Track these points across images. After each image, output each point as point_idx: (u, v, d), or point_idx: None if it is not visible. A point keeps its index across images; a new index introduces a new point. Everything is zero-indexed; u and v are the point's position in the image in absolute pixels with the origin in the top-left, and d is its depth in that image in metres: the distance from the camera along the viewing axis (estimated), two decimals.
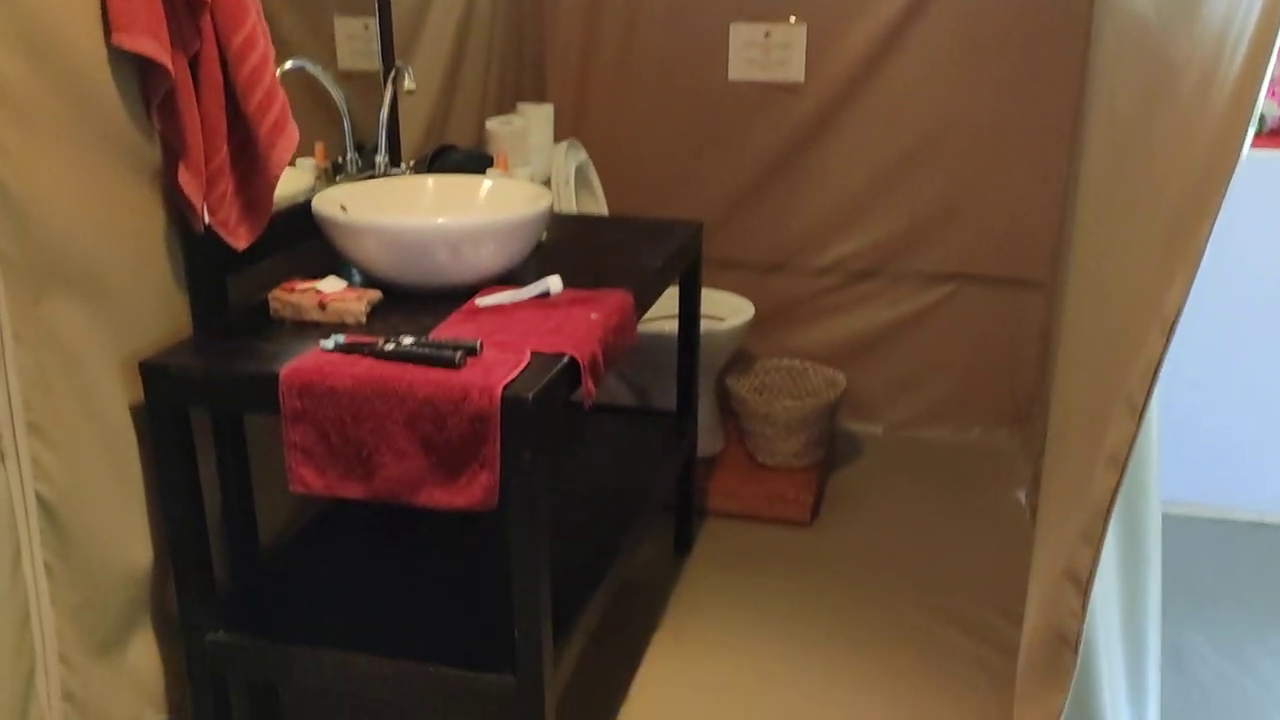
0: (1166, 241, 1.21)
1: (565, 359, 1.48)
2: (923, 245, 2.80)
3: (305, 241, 1.76)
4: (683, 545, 2.37)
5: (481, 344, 1.47)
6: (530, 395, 1.36)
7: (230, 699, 1.63)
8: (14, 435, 1.31)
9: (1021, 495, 2.61)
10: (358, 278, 1.76)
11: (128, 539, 1.51)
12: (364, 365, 1.42)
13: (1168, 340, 1.14)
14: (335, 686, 1.57)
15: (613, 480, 2.06)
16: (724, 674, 1.98)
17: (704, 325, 2.45)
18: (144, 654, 1.57)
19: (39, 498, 1.35)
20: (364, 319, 1.59)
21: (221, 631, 1.58)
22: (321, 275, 1.72)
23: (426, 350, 1.43)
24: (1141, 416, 1.16)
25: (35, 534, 1.35)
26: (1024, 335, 2.80)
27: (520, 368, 1.43)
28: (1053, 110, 2.61)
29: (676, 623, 2.13)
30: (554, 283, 1.71)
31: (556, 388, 1.44)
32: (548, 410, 1.41)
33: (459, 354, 1.42)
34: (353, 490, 1.43)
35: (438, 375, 1.39)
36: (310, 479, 1.44)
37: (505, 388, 1.37)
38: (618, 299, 1.71)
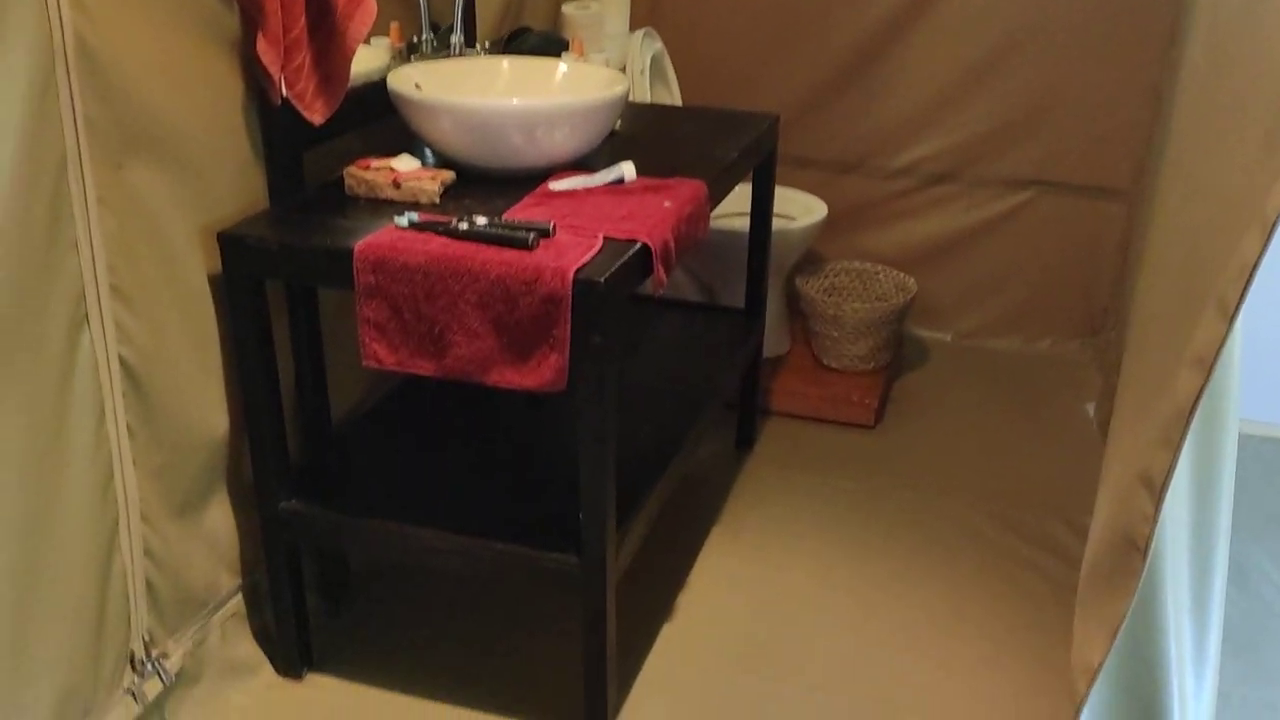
0: (1268, 140, 1.15)
1: (638, 245, 1.46)
2: (1003, 149, 2.71)
3: (378, 120, 1.76)
4: (744, 443, 2.38)
5: (555, 226, 1.46)
6: (602, 279, 1.36)
7: (301, 566, 1.69)
8: (98, 299, 1.34)
9: (1090, 408, 2.57)
10: (430, 157, 1.75)
11: (205, 406, 1.55)
12: (437, 243, 1.42)
13: (1267, 241, 1.10)
14: (402, 558, 1.62)
15: (678, 375, 2.06)
16: (780, 571, 2.00)
17: (775, 224, 2.41)
18: (220, 518, 1.62)
19: (122, 361, 1.39)
20: (437, 199, 1.59)
21: (294, 500, 1.62)
22: (394, 154, 1.71)
23: (500, 231, 1.42)
24: (1233, 319, 1.12)
25: (118, 396, 1.39)
26: (1102, 245, 2.72)
27: (593, 251, 1.42)
28: (1149, 10, 2.49)
29: (735, 518, 2.15)
30: (628, 169, 1.69)
31: (628, 273, 1.43)
32: (619, 295, 1.40)
33: (532, 235, 1.41)
34: (424, 367, 1.45)
35: (510, 256, 1.39)
36: (382, 355, 1.45)
37: (578, 271, 1.36)
38: (691, 188, 1.68)
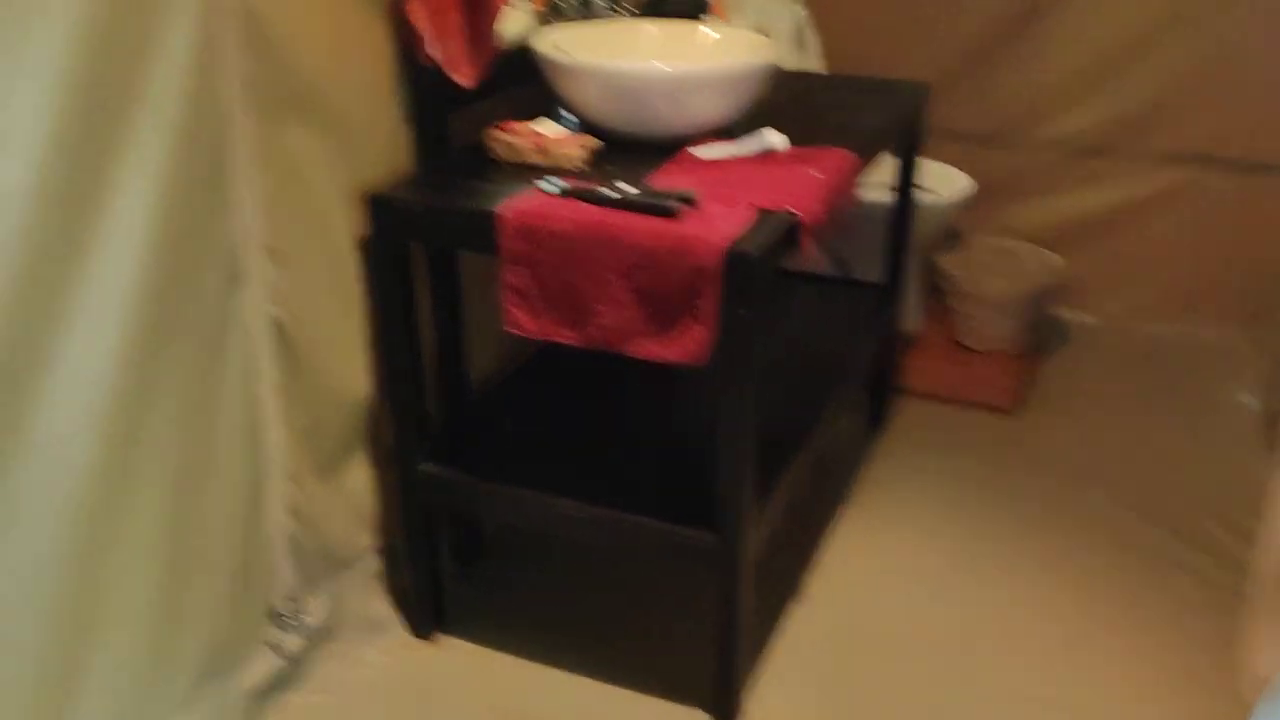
0: None
1: (788, 216, 1.42)
2: (1164, 123, 2.56)
3: (519, 84, 1.74)
4: (876, 422, 2.31)
5: (703, 196, 1.42)
6: (752, 251, 1.31)
7: (437, 528, 1.70)
8: (253, 258, 1.36)
9: (1250, 399, 2.42)
10: (570, 121, 1.72)
11: (349, 367, 1.56)
12: (585, 211, 1.40)
13: None
14: (535, 525, 1.62)
15: (814, 350, 2.00)
16: (911, 555, 1.94)
17: (917, 197, 2.33)
18: (360, 480, 1.64)
19: (273, 321, 1.41)
20: (584, 165, 1.56)
21: (431, 463, 1.63)
22: (533, 118, 1.69)
23: (650, 200, 1.39)
24: None
25: (269, 355, 1.41)
26: (1269, 226, 2.54)
27: (743, 223, 1.38)
28: None
29: (866, 499, 2.09)
30: (776, 138, 1.63)
31: (777, 245, 1.39)
32: (768, 269, 1.36)
33: (681, 205, 1.37)
34: (566, 336, 1.43)
35: (659, 225, 1.36)
36: (524, 321, 1.44)
37: (727, 243, 1.32)
38: (841, 158, 1.62)
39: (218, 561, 1.39)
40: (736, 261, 1.32)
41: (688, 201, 1.40)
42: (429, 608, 1.72)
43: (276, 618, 1.52)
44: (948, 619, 1.79)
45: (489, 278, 1.81)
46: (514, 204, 1.42)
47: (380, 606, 1.72)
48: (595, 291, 1.39)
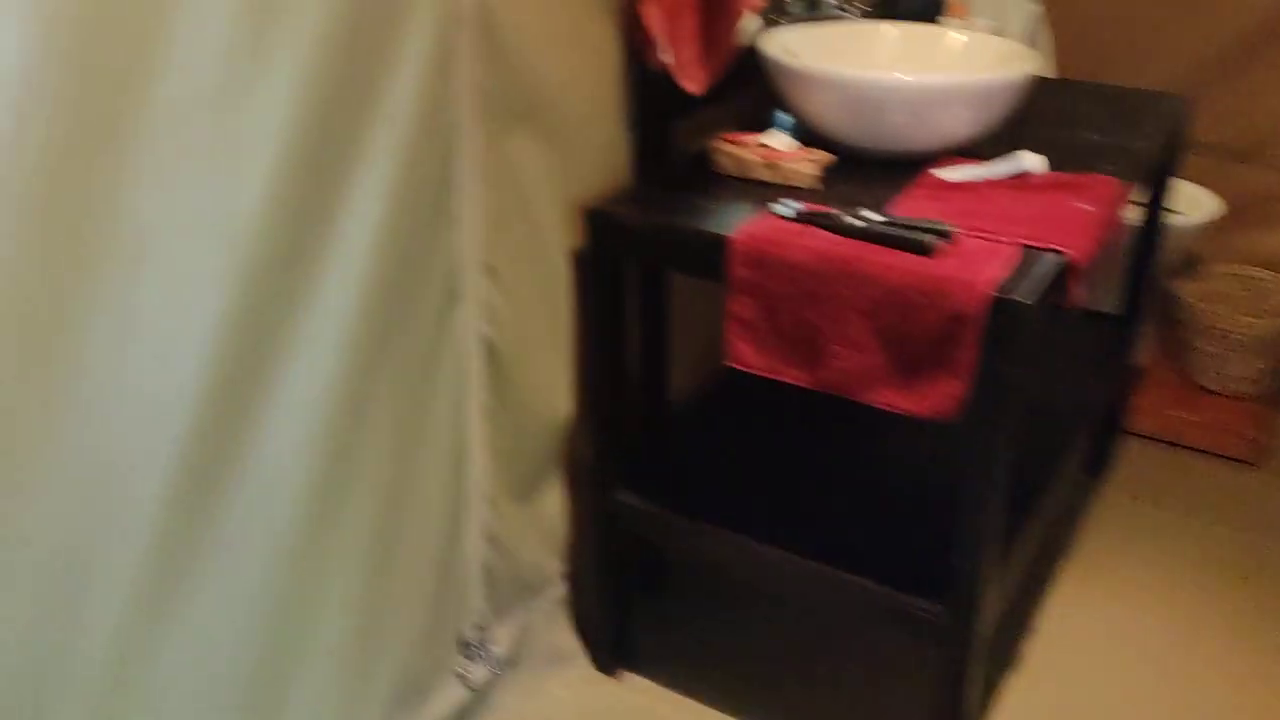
0: None
1: (1057, 257, 1.25)
2: None
3: (741, 90, 1.61)
4: (1098, 467, 2.11)
5: (957, 228, 1.27)
6: (1023, 298, 1.16)
7: (627, 560, 1.60)
8: (470, 275, 1.28)
9: None
10: (795, 130, 1.58)
11: (553, 388, 1.47)
12: (824, 240, 1.26)
13: None
14: (736, 573, 1.50)
15: (1046, 388, 1.81)
16: (1137, 624, 1.74)
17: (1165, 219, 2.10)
18: (553, 504, 1.56)
19: (484, 340, 1.33)
20: (816, 183, 1.43)
21: (628, 492, 1.53)
22: (754, 128, 1.56)
23: (901, 232, 1.24)
24: None
25: (478, 375, 1.33)
26: None
27: (1007, 263, 1.22)
28: None
29: (1087, 556, 1.89)
30: (1033, 160, 1.46)
31: (1049, 291, 1.22)
32: (1036, 317, 1.20)
33: (934, 239, 1.22)
34: (794, 376, 1.30)
35: (910, 263, 1.21)
36: (748, 356, 1.32)
37: (992, 287, 1.17)
38: (1108, 189, 1.44)
39: (415, 589, 1.33)
40: (1002, 310, 1.16)
41: (943, 236, 1.25)
42: (613, 642, 1.63)
43: (465, 647, 1.45)
44: (1174, 698, 1.59)
45: (694, 291, 1.69)
46: (745, 228, 1.30)
47: (565, 637, 1.64)
48: (832, 330, 1.26)
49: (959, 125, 1.47)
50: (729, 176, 1.47)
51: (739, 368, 1.33)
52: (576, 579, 1.65)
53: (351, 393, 1.13)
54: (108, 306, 0.90)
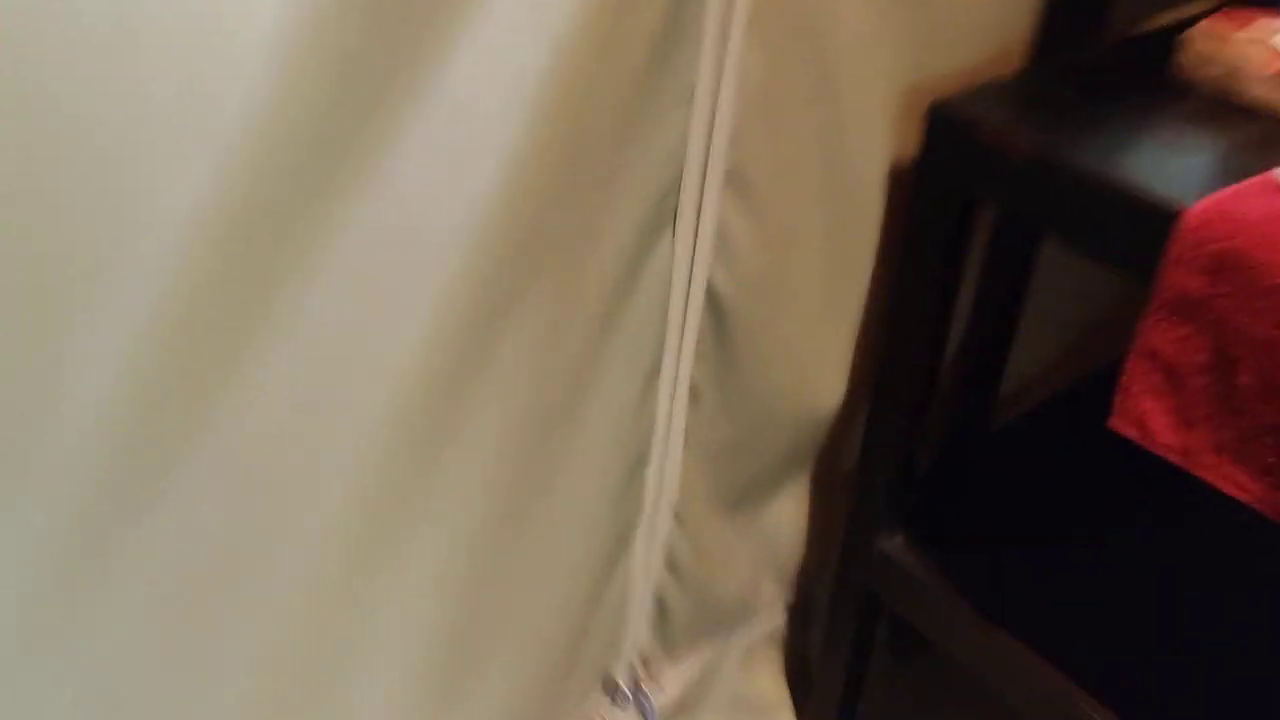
0: None
1: None
2: None
3: None
4: None
5: None
6: None
7: (874, 619, 1.11)
8: (702, 187, 0.77)
9: None
10: None
11: (816, 367, 0.96)
12: None
13: None
14: (1017, 697, 0.96)
15: None
16: None
17: None
18: (783, 518, 1.08)
19: (709, 291, 0.83)
20: None
21: (897, 536, 1.02)
22: (1266, 4, 0.90)
23: None
24: None
25: (689, 342, 0.85)
26: None
27: None
28: None
29: None
30: None
31: None
32: None
33: None
34: (1240, 484, 0.71)
35: None
36: (1164, 430, 0.74)
37: None
38: None
39: (544, 618, 0.91)
40: None
41: None
42: (839, 706, 1.15)
43: (612, 690, 1.04)
44: None
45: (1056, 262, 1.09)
46: (1212, 198, 0.70)
47: (766, 684, 1.18)
48: None
49: None
50: (1199, 88, 0.85)
51: (1140, 442, 0.75)
52: (803, 613, 1.18)
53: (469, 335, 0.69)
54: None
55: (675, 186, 0.75)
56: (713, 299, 0.83)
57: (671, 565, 0.99)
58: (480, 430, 0.75)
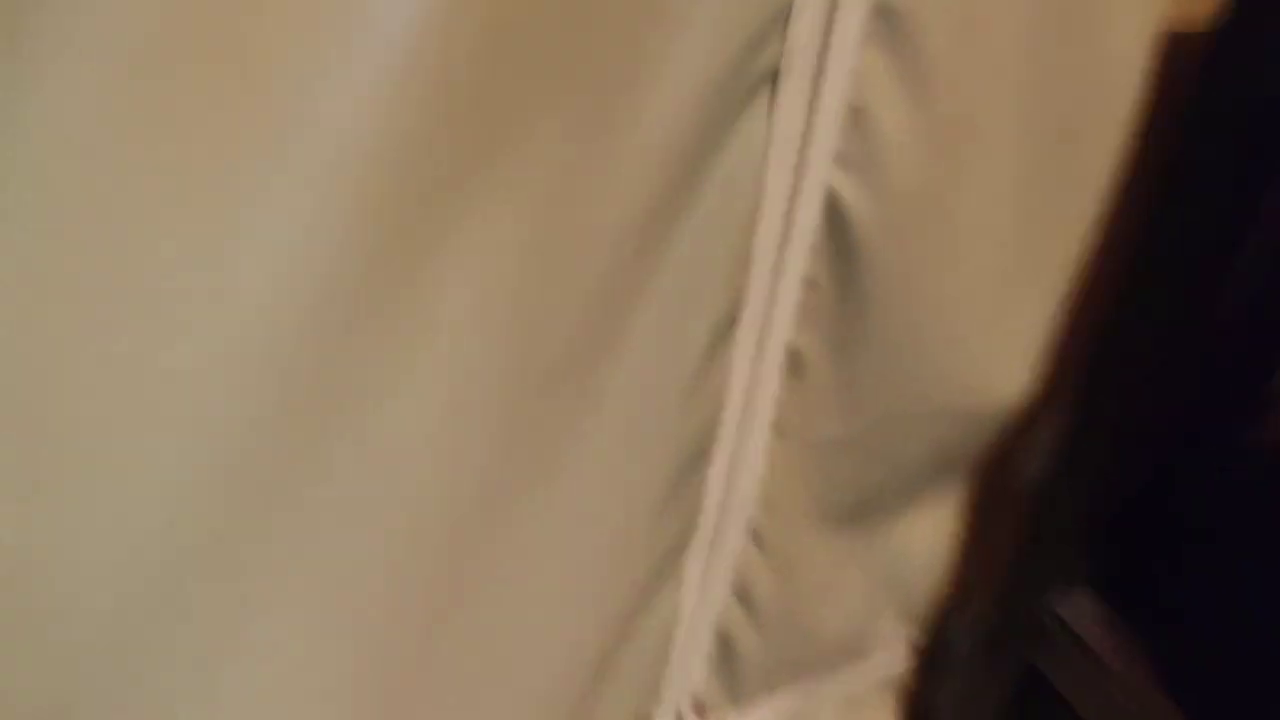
0: None
1: None
2: None
3: None
4: None
5: None
6: None
7: (1037, 688, 0.80)
8: (828, 21, 0.46)
9: None
10: None
11: (988, 343, 0.65)
12: None
13: None
14: None
15: None
16: None
17: None
18: (914, 540, 0.77)
19: (829, 201, 0.52)
20: None
21: (1084, 597, 0.71)
22: None
23: None
24: None
25: (790, 283, 0.55)
26: None
27: None
28: None
29: None
30: None
31: None
32: None
33: None
34: None
35: None
36: None
37: None
38: None
39: (565, 664, 0.65)
40: None
41: None
42: None
43: None
44: None
45: None
46: None
47: None
48: None
49: None
50: None
51: None
52: (935, 659, 0.88)
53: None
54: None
55: (782, 14, 0.44)
56: (834, 215, 0.53)
57: (742, 593, 0.70)
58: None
